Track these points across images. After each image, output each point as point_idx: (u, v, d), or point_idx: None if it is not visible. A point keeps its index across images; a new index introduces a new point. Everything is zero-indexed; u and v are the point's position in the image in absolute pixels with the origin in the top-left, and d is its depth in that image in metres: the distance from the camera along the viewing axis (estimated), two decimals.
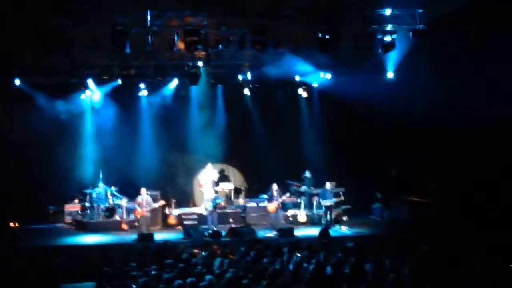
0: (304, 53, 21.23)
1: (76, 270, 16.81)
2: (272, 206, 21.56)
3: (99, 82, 23.18)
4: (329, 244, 16.88)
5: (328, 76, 23.76)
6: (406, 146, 23.21)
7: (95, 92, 23.69)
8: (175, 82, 23.77)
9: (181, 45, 19.14)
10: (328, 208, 21.63)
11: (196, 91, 24.40)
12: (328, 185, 21.93)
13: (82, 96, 23.76)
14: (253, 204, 23.18)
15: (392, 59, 21.62)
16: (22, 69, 21.44)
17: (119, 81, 23.09)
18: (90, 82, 23.00)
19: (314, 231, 21.13)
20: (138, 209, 21.08)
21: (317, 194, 22.95)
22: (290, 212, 22.88)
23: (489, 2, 16.94)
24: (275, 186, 21.71)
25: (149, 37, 18.38)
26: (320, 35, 18.16)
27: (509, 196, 18.44)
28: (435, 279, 11.54)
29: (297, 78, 24.47)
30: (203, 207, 21.79)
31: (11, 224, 20.94)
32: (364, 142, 24.29)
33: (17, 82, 22.13)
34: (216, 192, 22.67)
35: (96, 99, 24.00)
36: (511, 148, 18.24)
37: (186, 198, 24.58)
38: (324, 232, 19.62)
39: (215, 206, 21.49)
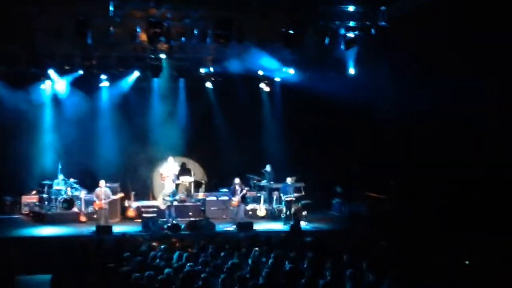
0: (268, 47, 21.26)
1: (33, 262, 16.62)
2: (235, 201, 21.57)
3: (60, 73, 22.88)
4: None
5: (291, 71, 23.80)
6: (367, 142, 23.40)
7: (59, 82, 23.36)
8: (137, 74, 23.54)
9: (143, 37, 19.02)
10: (288, 202, 21.68)
11: (158, 83, 24.25)
12: (288, 180, 22.00)
13: (42, 86, 23.40)
14: (213, 198, 23.14)
15: (354, 55, 21.75)
16: None
17: (81, 72, 22.78)
18: (51, 72, 22.69)
19: (274, 226, 21.25)
20: (97, 201, 20.94)
21: (277, 189, 23.00)
22: (250, 206, 22.90)
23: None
24: (237, 180, 21.72)
25: (112, 28, 18.22)
26: (284, 29, 18.20)
27: (468, 194, 18.67)
28: (393, 274, 11.60)
29: (260, 72, 24.44)
30: (160, 201, 21.68)
31: None
32: (325, 137, 24.43)
33: None
34: (176, 185, 22.59)
35: (60, 89, 23.68)
36: (471, 145, 18.44)
37: (145, 190, 24.43)
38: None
39: (174, 200, 21.42)
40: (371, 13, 18.61)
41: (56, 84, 23.46)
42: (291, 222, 20.97)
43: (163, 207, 21.47)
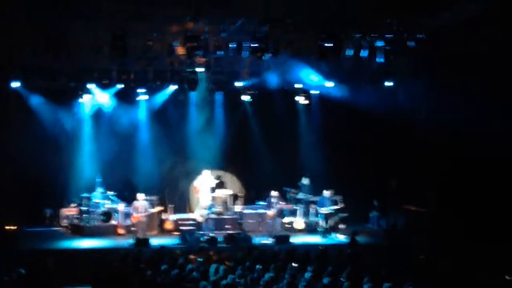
0: (305, 60, 21.28)
1: (72, 274, 16.78)
2: (269, 213, 21.55)
3: (99, 87, 23.10)
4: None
5: (328, 84, 23.73)
6: (405, 155, 23.26)
7: (98, 96, 23.60)
8: (174, 88, 23.68)
9: (181, 51, 19.17)
10: (326, 215, 21.58)
11: (195, 96, 24.36)
12: (325, 193, 21.89)
13: (81, 100, 23.66)
14: (250, 211, 23.12)
15: (393, 67, 21.67)
16: (22, 72, 21.39)
17: (120, 86, 22.98)
18: (91, 86, 22.92)
19: (311, 239, 21.17)
20: (135, 214, 21.09)
21: (314, 202, 22.91)
22: (287, 219, 22.83)
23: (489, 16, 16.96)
24: (274, 193, 21.70)
25: (149, 42, 18.40)
26: (322, 42, 18.22)
27: (507, 207, 18.45)
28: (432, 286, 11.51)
29: (297, 85, 24.42)
30: (197, 214, 21.74)
31: (7, 227, 20.87)
32: (362, 150, 24.28)
33: (16, 84, 22.05)
34: (213, 198, 22.64)
35: (99, 103, 23.92)
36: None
37: (183, 203, 24.51)
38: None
39: (211, 213, 21.46)
40: (408, 26, 18.53)
41: (95, 98, 23.69)
42: (330, 235, 20.93)
43: (200, 220, 21.53)
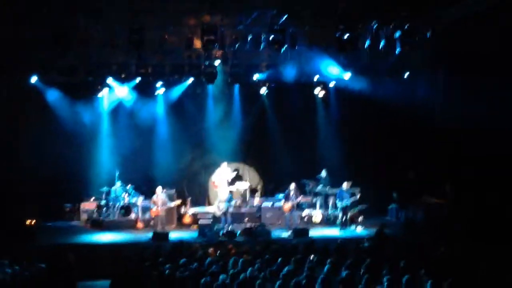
0: (322, 52, 21.20)
1: (91, 268, 16.87)
2: (287, 206, 21.53)
3: (117, 81, 23.17)
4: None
5: (346, 76, 23.62)
6: (423, 147, 23.15)
7: (117, 90, 23.67)
8: (191, 81, 23.68)
9: (198, 44, 19.16)
10: (344, 208, 21.51)
11: (212, 89, 24.39)
12: (344, 185, 21.80)
13: (100, 95, 23.75)
14: (268, 204, 23.09)
15: (410, 59, 21.54)
16: (40, 67, 21.53)
17: (138, 80, 23.02)
18: (110, 80, 23.01)
19: (329, 232, 21.11)
20: (154, 208, 21.15)
21: (333, 194, 22.84)
22: (305, 212, 22.79)
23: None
24: (292, 186, 21.66)
25: (166, 36, 18.40)
26: (339, 34, 18.14)
27: None
28: (450, 281, 11.41)
29: (314, 77, 24.36)
30: (216, 208, 21.76)
31: (28, 221, 21.00)
32: (380, 142, 24.16)
33: (34, 79, 22.22)
34: (231, 191, 22.64)
35: (117, 97, 23.99)
36: None
37: (201, 197, 24.58)
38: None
39: (230, 206, 21.47)
40: (425, 17, 18.40)
41: (113, 92, 23.77)
42: (348, 228, 20.91)
43: (219, 213, 21.54)
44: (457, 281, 11.61)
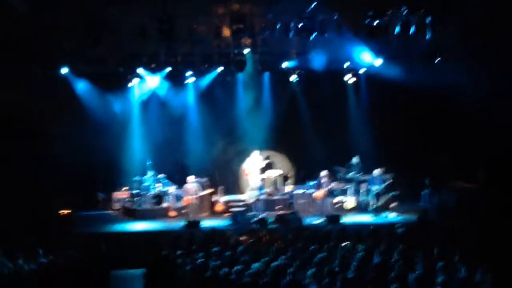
0: (352, 39, 21.09)
1: (124, 257, 17.02)
2: (319, 193, 21.51)
3: (148, 71, 23.24)
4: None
5: (377, 62, 23.45)
6: (455, 132, 22.96)
7: (148, 80, 23.78)
8: (221, 70, 23.69)
9: (227, 33, 19.18)
10: (376, 194, 21.43)
11: (242, 77, 24.39)
12: (376, 171, 21.71)
13: (130, 84, 23.87)
14: (300, 191, 23.09)
15: (440, 44, 21.35)
16: (71, 58, 21.68)
17: (168, 69, 23.10)
18: (140, 70, 23.11)
19: (362, 218, 21.05)
20: (186, 196, 21.25)
21: (365, 181, 22.76)
22: (337, 199, 22.75)
23: None
24: (324, 173, 21.61)
25: (195, 25, 18.44)
26: (369, 20, 18.05)
27: None
28: (485, 266, 11.33)
29: (344, 64, 24.22)
30: (248, 195, 21.79)
31: (62, 211, 21.25)
32: (412, 127, 23.98)
33: (64, 70, 22.37)
34: (262, 179, 22.67)
35: (149, 87, 24.10)
36: None
37: (233, 185, 24.63)
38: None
39: (262, 194, 21.51)
40: (456, 1, 18.21)
41: (144, 82, 23.88)
42: (382, 214, 20.85)
43: (250, 201, 21.59)
44: (491, 266, 11.53)
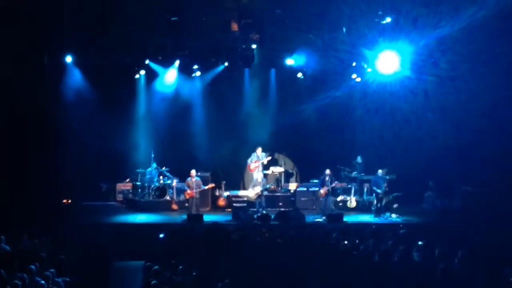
0: (360, 38, 21.05)
1: (125, 249, 17.00)
2: (322, 191, 21.48)
3: (155, 63, 23.19)
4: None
5: (382, 62, 23.32)
6: (458, 134, 22.90)
7: (158, 72, 23.74)
8: (228, 64, 23.62)
9: (235, 27, 19.14)
10: (379, 195, 21.39)
11: (249, 73, 24.32)
12: (379, 172, 21.70)
13: (137, 76, 23.81)
14: (303, 189, 23.07)
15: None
16: (76, 48, 21.64)
17: (176, 62, 23.08)
18: (147, 62, 23.01)
19: (364, 218, 21.03)
20: (188, 190, 21.24)
21: (368, 180, 22.75)
22: (340, 198, 22.73)
23: None
24: (327, 171, 21.58)
25: (204, 19, 18.41)
26: (378, 20, 18.01)
27: None
28: (485, 269, 11.30)
29: (352, 63, 24.12)
30: (251, 191, 21.79)
31: (64, 201, 21.23)
32: (416, 129, 23.87)
33: (69, 59, 22.28)
34: (266, 175, 22.65)
35: (161, 79, 24.06)
36: None
37: (236, 180, 24.62)
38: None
39: (265, 190, 21.50)
40: None
41: (150, 74, 23.80)
42: (384, 215, 20.82)
43: (253, 197, 21.57)
44: (492, 269, 11.50)
